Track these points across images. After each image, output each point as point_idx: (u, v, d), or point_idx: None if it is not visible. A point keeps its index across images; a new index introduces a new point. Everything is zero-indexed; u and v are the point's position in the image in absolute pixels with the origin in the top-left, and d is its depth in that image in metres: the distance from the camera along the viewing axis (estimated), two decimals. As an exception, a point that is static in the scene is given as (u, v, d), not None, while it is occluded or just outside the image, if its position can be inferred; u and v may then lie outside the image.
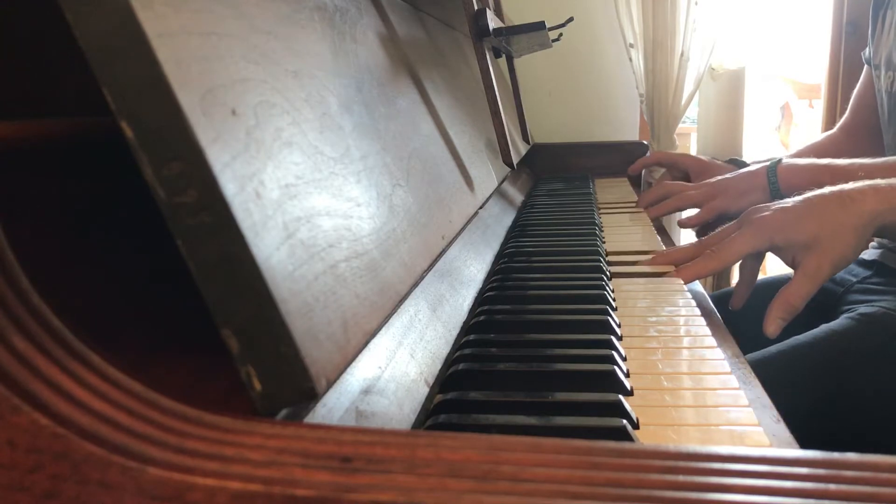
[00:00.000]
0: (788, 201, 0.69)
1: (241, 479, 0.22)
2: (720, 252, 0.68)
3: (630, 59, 1.61)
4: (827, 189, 0.68)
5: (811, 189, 0.69)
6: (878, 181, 0.67)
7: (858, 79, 1.17)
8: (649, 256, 0.77)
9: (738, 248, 0.67)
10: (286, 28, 0.38)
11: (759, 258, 0.72)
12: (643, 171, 1.44)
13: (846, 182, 0.68)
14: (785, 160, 0.91)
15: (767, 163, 0.94)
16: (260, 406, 0.25)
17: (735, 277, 1.64)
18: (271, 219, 0.27)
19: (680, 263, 0.72)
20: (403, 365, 0.40)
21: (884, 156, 1.12)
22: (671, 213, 1.08)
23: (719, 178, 0.98)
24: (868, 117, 1.12)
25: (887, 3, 1.02)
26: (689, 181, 1.16)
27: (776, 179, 0.91)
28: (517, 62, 1.11)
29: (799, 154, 1.19)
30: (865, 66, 1.13)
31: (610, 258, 0.80)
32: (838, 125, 1.21)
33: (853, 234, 0.64)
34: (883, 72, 1.00)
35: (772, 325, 0.63)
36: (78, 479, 0.22)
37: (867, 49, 1.10)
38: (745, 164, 1.13)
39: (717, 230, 0.74)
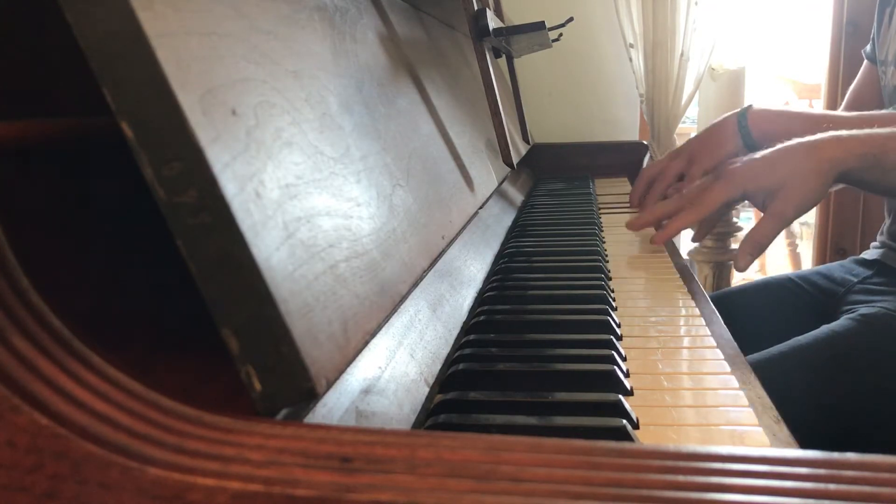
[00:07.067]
0: (758, 153, 0.75)
1: (241, 479, 0.22)
2: (698, 204, 0.74)
3: (630, 59, 1.61)
4: (794, 141, 0.74)
5: (783, 137, 0.74)
6: (842, 132, 0.73)
7: (859, 78, 1.17)
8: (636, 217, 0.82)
9: (715, 198, 0.73)
10: (286, 28, 0.38)
11: (729, 207, 0.79)
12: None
13: (816, 131, 0.73)
14: (755, 106, 0.95)
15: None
16: (260, 406, 0.25)
17: (735, 278, 1.65)
18: (271, 219, 0.27)
19: (664, 218, 0.78)
20: (403, 365, 0.40)
21: None
22: (660, 196, 1.05)
23: (691, 138, 1.02)
24: None
25: (894, 1, 1.02)
26: (682, 177, 1.14)
27: (746, 124, 0.94)
28: (517, 62, 1.11)
29: None
30: (865, 63, 1.13)
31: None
32: None
33: (816, 179, 0.70)
34: (890, 69, 1.00)
35: (742, 261, 0.70)
36: (78, 479, 0.22)
37: (869, 45, 1.11)
38: None
39: (695, 183, 0.80)
